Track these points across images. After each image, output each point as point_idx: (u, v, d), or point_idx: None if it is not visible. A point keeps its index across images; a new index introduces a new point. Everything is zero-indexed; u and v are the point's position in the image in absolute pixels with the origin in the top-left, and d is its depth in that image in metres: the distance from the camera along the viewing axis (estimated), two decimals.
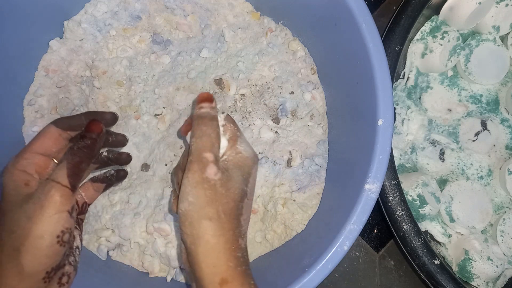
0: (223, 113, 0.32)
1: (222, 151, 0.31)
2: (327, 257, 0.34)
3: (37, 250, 0.27)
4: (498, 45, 0.52)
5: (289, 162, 0.44)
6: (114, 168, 0.39)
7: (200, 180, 0.27)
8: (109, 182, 0.37)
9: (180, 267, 0.42)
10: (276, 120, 0.45)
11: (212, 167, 0.28)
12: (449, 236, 0.50)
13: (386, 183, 0.44)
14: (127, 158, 0.38)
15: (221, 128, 0.31)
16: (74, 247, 0.32)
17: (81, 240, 0.33)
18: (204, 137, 0.29)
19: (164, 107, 0.45)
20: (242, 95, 0.45)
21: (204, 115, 0.30)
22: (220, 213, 0.27)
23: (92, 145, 0.30)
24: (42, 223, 0.27)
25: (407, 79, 0.52)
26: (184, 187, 0.28)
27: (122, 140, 0.38)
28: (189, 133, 0.31)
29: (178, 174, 0.32)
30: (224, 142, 0.31)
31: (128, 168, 0.43)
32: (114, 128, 0.43)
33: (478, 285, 0.48)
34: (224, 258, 0.26)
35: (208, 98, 0.31)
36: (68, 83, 0.44)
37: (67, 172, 0.28)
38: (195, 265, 0.27)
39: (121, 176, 0.38)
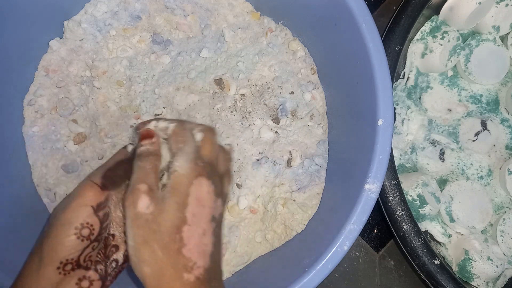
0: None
1: (163, 164, 0.30)
2: (327, 257, 0.34)
3: (55, 237, 0.28)
4: (498, 45, 0.52)
5: (289, 162, 0.44)
6: None
7: (134, 216, 0.27)
8: None
9: None
10: (276, 120, 0.45)
11: (143, 199, 0.27)
12: (449, 236, 0.50)
13: (386, 183, 0.44)
14: None
15: (165, 144, 0.31)
16: (111, 259, 0.31)
17: (124, 256, 0.32)
18: (139, 171, 0.29)
19: (164, 107, 0.45)
20: (242, 95, 0.45)
21: (142, 153, 0.30)
22: (156, 252, 0.26)
23: (123, 152, 0.33)
24: (67, 213, 0.28)
25: (407, 79, 0.52)
26: (125, 228, 0.28)
27: None
28: None
29: None
30: (167, 157, 0.31)
31: None
32: (115, 128, 0.43)
33: (478, 285, 0.48)
34: None
35: (148, 135, 0.31)
36: (68, 83, 0.44)
37: (100, 172, 0.30)
38: None
39: None
